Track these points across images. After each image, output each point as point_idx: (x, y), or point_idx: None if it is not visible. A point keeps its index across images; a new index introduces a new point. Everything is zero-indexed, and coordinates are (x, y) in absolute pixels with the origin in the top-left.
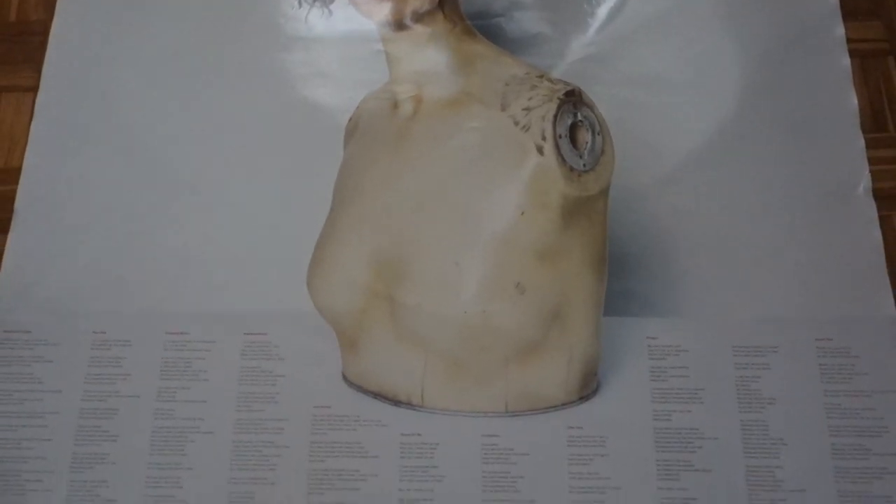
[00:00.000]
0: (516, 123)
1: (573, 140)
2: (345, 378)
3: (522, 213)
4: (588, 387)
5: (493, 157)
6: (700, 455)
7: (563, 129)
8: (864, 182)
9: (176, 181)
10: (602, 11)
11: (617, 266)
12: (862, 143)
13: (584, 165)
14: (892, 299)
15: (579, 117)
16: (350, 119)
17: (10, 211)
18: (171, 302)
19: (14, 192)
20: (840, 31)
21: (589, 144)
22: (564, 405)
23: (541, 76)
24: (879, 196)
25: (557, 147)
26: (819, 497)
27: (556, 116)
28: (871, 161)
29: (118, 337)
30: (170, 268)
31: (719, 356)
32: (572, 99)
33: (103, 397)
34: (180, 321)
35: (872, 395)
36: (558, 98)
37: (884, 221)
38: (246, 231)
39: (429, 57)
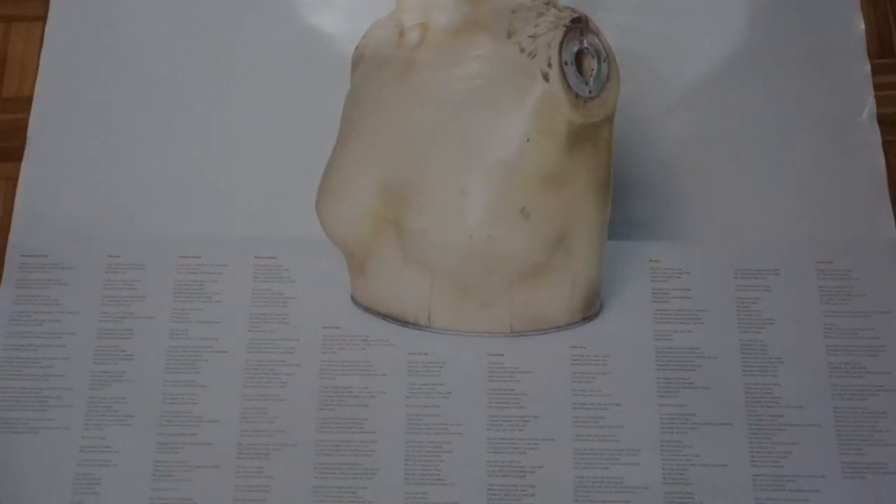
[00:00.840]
0: (522, 51)
1: (579, 67)
2: (353, 300)
3: (528, 140)
4: (591, 308)
5: (498, 84)
6: (700, 373)
7: (568, 57)
8: (869, 108)
9: (186, 109)
10: None
11: (622, 191)
12: (868, 68)
13: (590, 92)
14: (894, 223)
15: (585, 44)
16: (356, 48)
17: (24, 139)
18: (184, 227)
19: (26, 120)
20: None
21: (594, 71)
22: (568, 326)
23: (548, 3)
24: (884, 122)
25: (563, 74)
26: (815, 413)
27: (561, 43)
28: (876, 87)
29: (132, 261)
30: (181, 194)
31: (721, 278)
32: (578, 26)
33: (119, 318)
34: (192, 245)
35: (871, 315)
36: (564, 25)
37: (887, 147)
38: (255, 158)
39: None
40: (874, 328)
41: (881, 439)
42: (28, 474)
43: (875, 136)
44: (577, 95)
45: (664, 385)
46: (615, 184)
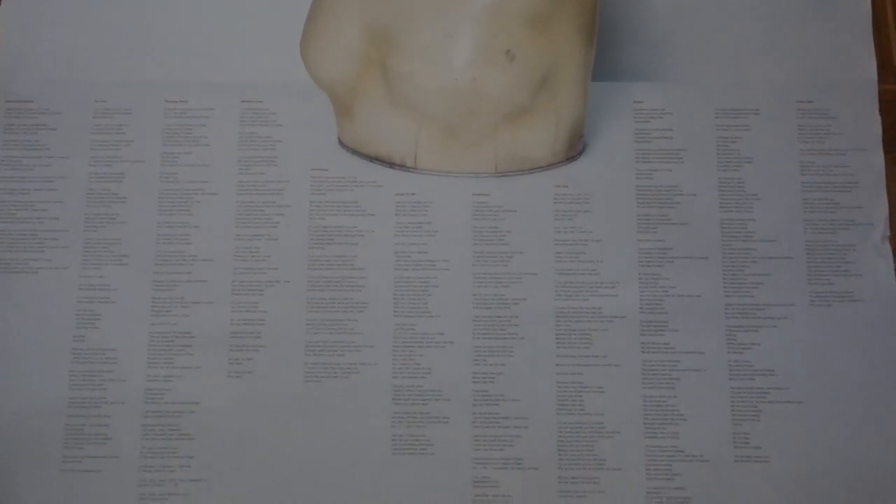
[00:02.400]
0: None
1: None
2: (341, 143)
3: None
4: (574, 148)
5: None
6: (678, 210)
7: None
8: None
9: None
10: None
11: (606, 33)
12: None
13: None
14: (875, 63)
15: None
16: None
17: None
18: (170, 72)
19: None
20: None
21: None
22: (551, 165)
23: None
24: None
25: None
26: (788, 246)
27: None
28: None
29: (119, 105)
30: (167, 38)
31: (702, 118)
32: None
33: (109, 162)
34: (179, 90)
35: (847, 153)
36: None
37: None
38: (241, 2)
39: None
40: (849, 165)
41: (848, 270)
42: (31, 312)
43: None
44: None
45: (644, 221)
46: (600, 26)
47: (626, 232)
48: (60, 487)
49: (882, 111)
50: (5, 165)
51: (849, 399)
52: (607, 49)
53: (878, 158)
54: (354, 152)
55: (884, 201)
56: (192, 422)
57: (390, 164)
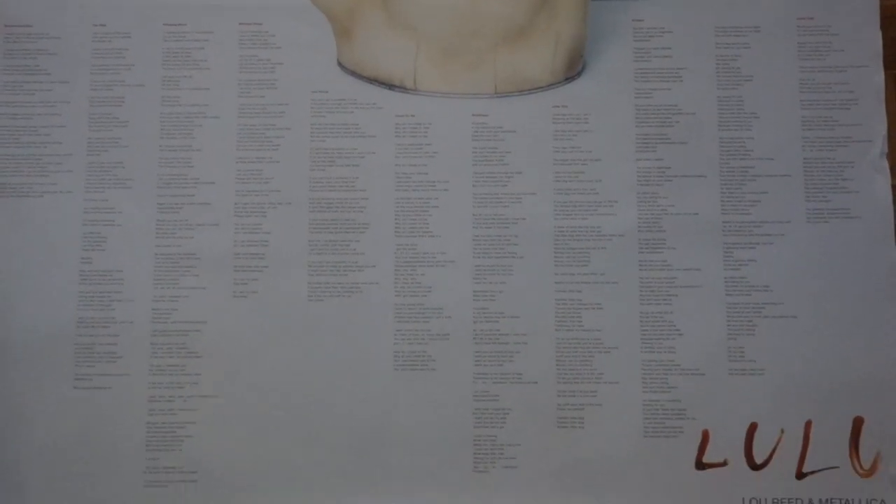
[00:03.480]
0: None
1: None
2: (340, 65)
3: None
4: (573, 68)
5: None
6: (677, 129)
7: None
8: None
9: None
10: None
11: None
12: None
13: None
14: None
15: None
16: None
17: None
18: None
19: None
20: None
21: None
22: (551, 86)
23: None
24: None
25: None
26: (786, 164)
27: None
28: None
29: (118, 29)
30: None
31: (702, 36)
32: None
33: (110, 86)
34: (177, 13)
35: (847, 70)
36: None
37: None
38: None
39: None
40: (849, 82)
41: (846, 187)
42: (38, 235)
43: None
44: None
45: (642, 140)
46: None
47: (625, 151)
48: (73, 404)
49: (883, 27)
50: (7, 90)
51: (842, 313)
52: None
53: (879, 75)
54: (354, 74)
55: (883, 118)
56: (199, 340)
57: (390, 86)
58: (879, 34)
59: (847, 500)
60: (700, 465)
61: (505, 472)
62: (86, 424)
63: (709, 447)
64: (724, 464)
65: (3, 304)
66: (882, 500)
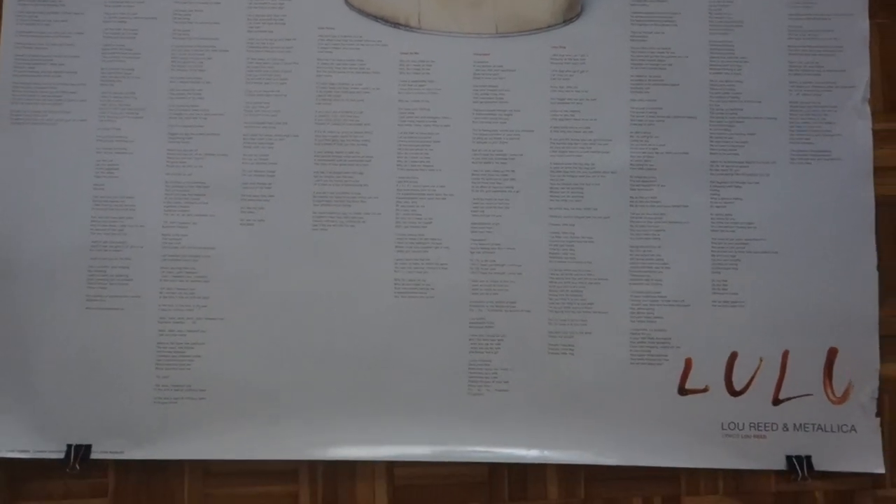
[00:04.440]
0: None
1: None
2: (347, 3)
3: None
4: (572, 11)
5: None
6: (669, 71)
7: None
8: None
9: None
10: None
11: None
12: None
13: None
14: None
15: None
16: None
17: None
18: None
19: None
20: None
21: None
22: (550, 27)
23: None
24: None
25: None
26: (773, 107)
27: None
28: None
29: None
30: None
31: None
32: None
33: (123, 18)
34: None
35: (833, 17)
36: None
37: None
38: None
39: None
40: (834, 30)
41: (828, 130)
42: (52, 162)
43: None
44: None
45: (637, 82)
46: None
47: (620, 91)
48: (85, 324)
49: None
50: (23, 21)
51: (820, 249)
52: None
53: (864, 23)
54: (360, 12)
55: (866, 65)
56: (208, 265)
57: (394, 24)
58: None
59: (820, 425)
60: (682, 391)
61: (498, 395)
62: (98, 343)
63: (691, 374)
64: (706, 390)
65: (18, 229)
66: (853, 426)
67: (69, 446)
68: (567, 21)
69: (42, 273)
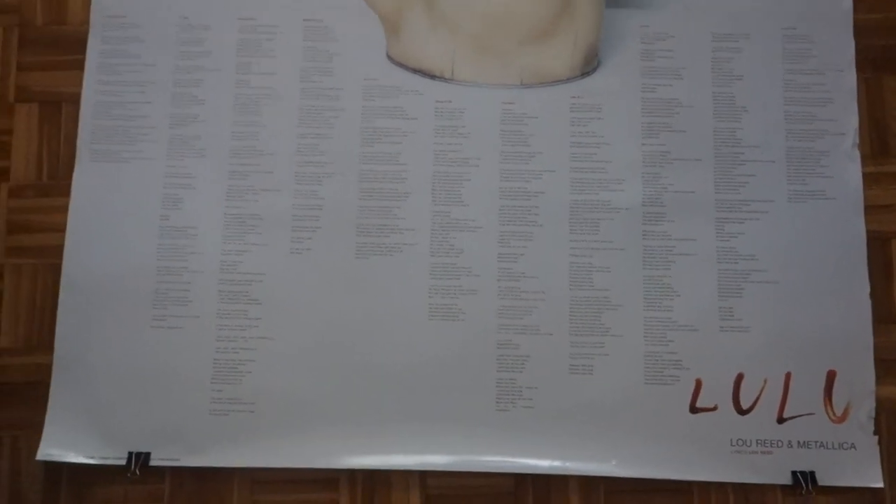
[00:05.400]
0: None
1: None
2: (389, 57)
3: None
4: (589, 65)
5: None
6: (677, 119)
7: None
8: None
9: None
10: None
11: None
12: None
13: None
14: None
15: None
16: None
17: None
18: None
19: None
20: None
21: None
22: (569, 79)
23: None
24: None
25: None
26: (771, 151)
27: None
28: None
29: (199, 22)
30: None
31: (700, 41)
32: None
33: (191, 70)
34: (249, 8)
35: (824, 72)
36: None
37: None
38: None
39: None
40: (826, 84)
41: (822, 172)
42: (124, 195)
43: None
44: None
45: (647, 128)
46: None
47: (632, 137)
48: (149, 341)
49: (856, 37)
50: (103, 72)
51: (818, 279)
52: None
53: (852, 77)
54: (400, 65)
55: (855, 114)
56: (260, 289)
57: (431, 76)
58: (853, 42)
59: (822, 442)
60: (693, 409)
61: (523, 411)
62: (160, 359)
63: (701, 394)
64: (715, 408)
65: (92, 254)
66: (853, 444)
67: (130, 453)
68: (584, 74)
69: (112, 294)
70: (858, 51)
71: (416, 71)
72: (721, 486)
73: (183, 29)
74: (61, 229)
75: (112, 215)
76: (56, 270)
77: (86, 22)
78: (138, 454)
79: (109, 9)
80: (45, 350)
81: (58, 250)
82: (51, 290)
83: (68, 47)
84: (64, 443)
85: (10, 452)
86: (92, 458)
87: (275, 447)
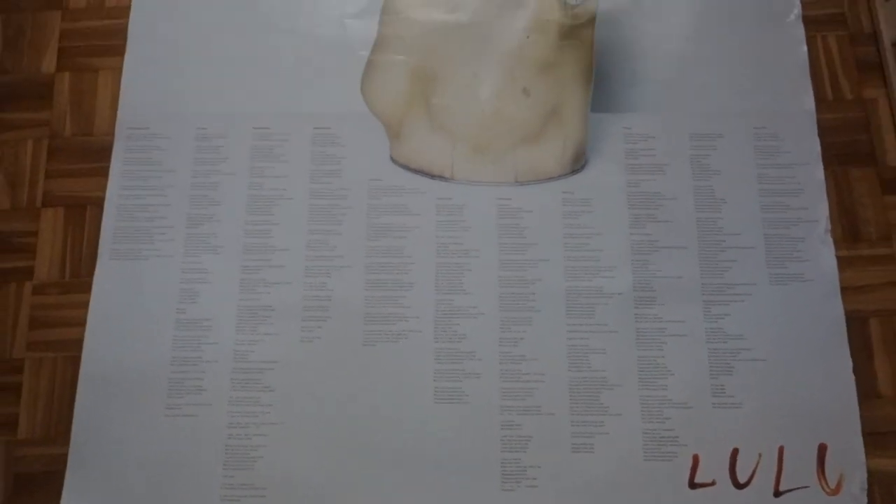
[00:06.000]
0: None
1: None
2: (392, 159)
3: (528, 37)
4: (578, 163)
5: None
6: (662, 211)
7: None
8: (796, 10)
9: (260, 20)
10: None
11: (603, 75)
12: None
13: (576, 1)
14: (812, 97)
15: None
16: None
17: (124, 39)
18: (256, 105)
19: (126, 24)
20: None
21: None
22: (560, 176)
23: None
24: (807, 22)
25: None
26: (750, 238)
27: None
28: None
29: (216, 132)
30: (254, 78)
31: (679, 140)
32: None
33: (208, 175)
34: (263, 119)
35: (793, 166)
36: None
37: (809, 41)
38: (312, 51)
39: None
40: (796, 176)
41: (799, 256)
42: (144, 289)
43: (800, 32)
44: (565, 3)
45: (634, 220)
46: (597, 70)
47: (621, 227)
48: (164, 428)
49: (820, 135)
50: (126, 178)
51: (802, 357)
52: (604, 87)
53: (819, 171)
54: (403, 167)
55: (825, 203)
56: (272, 377)
57: (431, 176)
58: (818, 140)
59: None
60: (693, 485)
61: (528, 490)
62: (174, 446)
63: (699, 469)
64: (713, 483)
65: (112, 345)
66: None
67: None
68: (574, 172)
69: (129, 384)
70: (824, 147)
71: (417, 171)
72: None
73: (201, 138)
74: (81, 324)
75: (131, 309)
76: (75, 363)
77: (111, 133)
78: None
79: (133, 121)
80: (62, 441)
81: (77, 344)
82: (69, 382)
83: (94, 156)
84: None
85: None
86: None
87: None
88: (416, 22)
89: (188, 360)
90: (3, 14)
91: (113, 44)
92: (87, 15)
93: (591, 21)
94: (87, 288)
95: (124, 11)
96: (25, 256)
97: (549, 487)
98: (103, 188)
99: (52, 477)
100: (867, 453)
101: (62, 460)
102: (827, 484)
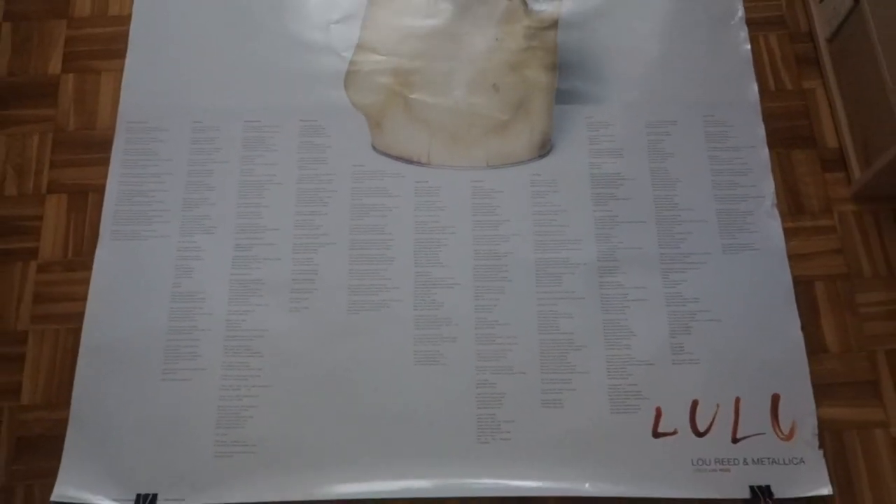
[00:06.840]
0: None
1: None
2: (373, 147)
3: (497, 39)
4: (545, 148)
5: (478, 2)
6: (622, 189)
7: None
8: (740, 13)
9: (251, 25)
10: None
11: (567, 71)
12: None
13: (540, 7)
14: (756, 89)
15: None
16: None
17: (125, 43)
18: (247, 100)
19: (127, 30)
20: None
21: None
22: (529, 160)
23: None
24: (749, 23)
25: None
26: (703, 213)
27: None
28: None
29: (210, 124)
30: (246, 75)
31: (636, 128)
32: None
33: (203, 163)
34: (254, 113)
35: (741, 149)
36: None
37: (753, 39)
38: (299, 50)
39: None
40: (743, 157)
41: (748, 228)
42: (143, 267)
43: (744, 32)
44: (530, 9)
45: (597, 198)
46: (561, 66)
47: (585, 205)
48: (161, 391)
49: (765, 121)
50: (126, 167)
51: (754, 316)
52: (567, 81)
53: (765, 152)
54: (384, 154)
55: (770, 181)
56: (262, 344)
57: (410, 162)
58: (762, 126)
59: (774, 459)
60: (656, 434)
61: (502, 443)
62: (171, 408)
63: (661, 420)
64: (675, 433)
65: (112, 317)
66: (801, 458)
67: (138, 495)
68: (541, 156)
69: (127, 352)
70: (769, 132)
71: (397, 158)
72: (686, 503)
73: (196, 130)
74: (83, 298)
75: (129, 284)
76: (76, 334)
77: (112, 127)
78: (145, 495)
79: (133, 116)
80: (63, 406)
81: (79, 317)
82: (71, 351)
83: (96, 148)
84: (77, 484)
85: (25, 495)
86: (101, 499)
87: (274, 483)
88: (395, 27)
89: (183, 329)
90: (13, 22)
91: (115, 48)
92: (90, 23)
93: (555, 24)
94: (88, 266)
95: (125, 19)
96: (31, 238)
97: (521, 440)
98: (104, 176)
99: (53, 440)
100: (817, 403)
101: (63, 424)
102: (781, 430)
